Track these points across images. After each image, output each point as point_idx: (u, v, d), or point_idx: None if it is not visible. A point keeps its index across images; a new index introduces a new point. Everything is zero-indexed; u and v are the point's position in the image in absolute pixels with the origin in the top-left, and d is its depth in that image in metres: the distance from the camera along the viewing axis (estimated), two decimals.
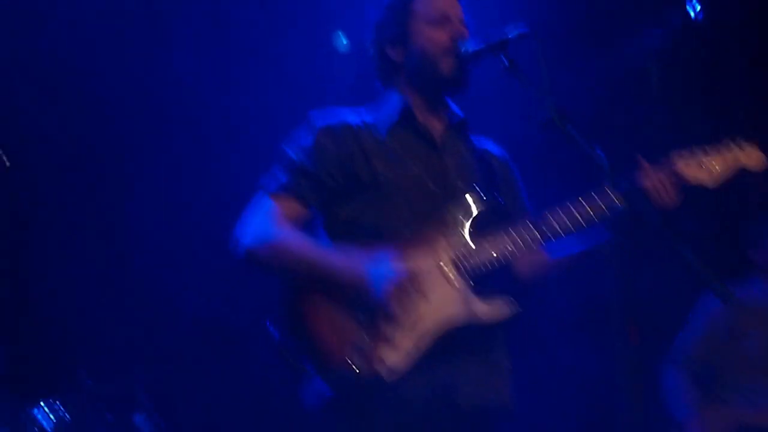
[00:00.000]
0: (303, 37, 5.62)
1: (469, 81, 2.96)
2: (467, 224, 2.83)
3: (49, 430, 4.63)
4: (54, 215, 5.53)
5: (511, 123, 4.19)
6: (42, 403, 4.67)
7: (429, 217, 2.84)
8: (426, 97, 3.01)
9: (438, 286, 2.76)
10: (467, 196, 2.87)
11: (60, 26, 5.26)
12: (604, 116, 5.47)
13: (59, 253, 5.47)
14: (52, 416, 4.65)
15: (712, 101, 5.79)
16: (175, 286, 5.37)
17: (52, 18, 5.25)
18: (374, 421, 2.72)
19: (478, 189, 2.89)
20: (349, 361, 2.67)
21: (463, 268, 2.78)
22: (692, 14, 5.66)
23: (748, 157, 2.82)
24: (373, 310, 2.71)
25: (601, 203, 2.76)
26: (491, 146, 3.15)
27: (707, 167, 2.79)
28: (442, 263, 2.79)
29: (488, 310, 2.75)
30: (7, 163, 4.09)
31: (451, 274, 2.78)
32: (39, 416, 4.65)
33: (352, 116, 3.01)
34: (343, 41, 5.67)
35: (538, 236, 2.78)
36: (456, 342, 2.74)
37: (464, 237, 2.82)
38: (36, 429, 4.62)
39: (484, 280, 2.79)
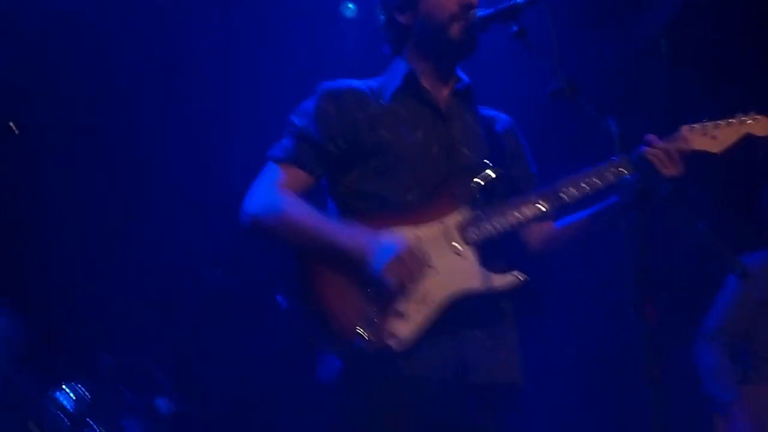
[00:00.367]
0: (314, 12, 5.62)
1: (477, 47, 2.94)
2: (474, 192, 2.81)
3: (71, 411, 4.67)
4: (63, 198, 5.55)
5: (522, 92, 4.18)
6: (64, 386, 4.72)
7: (434, 184, 2.83)
8: (434, 63, 2.99)
9: (445, 256, 2.74)
10: (472, 162, 2.86)
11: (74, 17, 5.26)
12: (614, 89, 5.45)
13: (72, 239, 5.50)
14: (74, 397, 4.70)
15: (722, 73, 5.76)
16: (189, 263, 5.40)
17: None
18: (386, 399, 2.71)
19: (484, 156, 2.88)
20: (360, 333, 2.65)
21: (469, 237, 2.76)
22: None
23: (757, 126, 2.82)
24: (378, 282, 2.70)
25: (608, 172, 2.76)
26: (498, 114, 3.13)
27: (712, 134, 2.80)
28: (448, 232, 2.77)
29: (496, 280, 2.74)
30: (16, 131, 4.11)
31: (458, 244, 2.76)
32: (61, 398, 4.70)
33: (358, 83, 2.99)
34: (350, 7, 5.65)
35: (546, 205, 2.78)
36: (464, 313, 2.73)
37: (471, 205, 2.80)
38: (59, 412, 4.67)
39: (491, 249, 2.78)
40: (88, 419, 4.67)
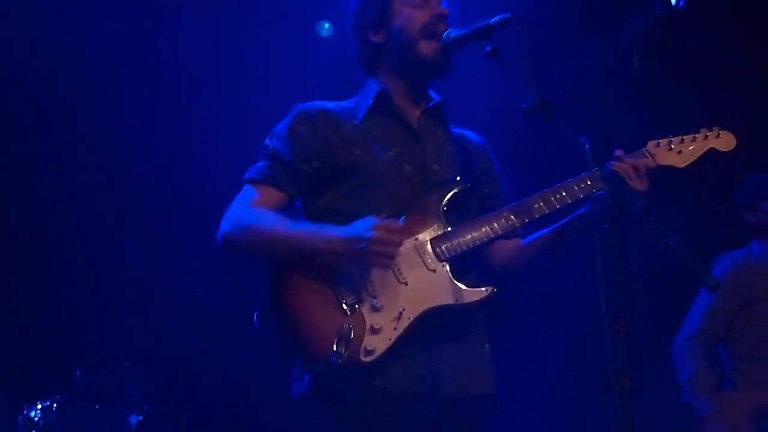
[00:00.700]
0: (293, 32, 5.66)
1: (451, 67, 2.97)
2: (444, 207, 2.84)
3: (44, 428, 4.67)
4: (46, 209, 5.55)
5: (496, 108, 4.21)
6: (39, 404, 4.71)
7: (407, 201, 2.85)
8: (406, 81, 3.02)
9: (418, 271, 2.77)
10: (444, 179, 2.89)
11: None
12: (588, 105, 5.51)
13: (51, 255, 5.51)
14: (47, 416, 4.69)
15: (694, 89, 5.84)
16: (168, 282, 5.39)
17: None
18: (358, 412, 2.73)
19: (455, 173, 2.92)
20: (335, 350, 2.67)
21: (442, 253, 2.80)
22: (673, 2, 5.72)
23: (720, 141, 2.91)
24: (356, 284, 2.72)
25: (578, 187, 2.81)
26: (470, 134, 3.17)
27: (677, 149, 2.87)
28: (421, 248, 2.80)
29: (467, 294, 2.77)
30: None
31: (428, 257, 2.80)
32: (35, 417, 4.69)
33: (331, 104, 3.02)
34: (326, 26, 5.70)
35: (516, 220, 2.82)
36: (436, 327, 2.76)
37: (441, 220, 2.84)
38: (33, 430, 4.67)
39: (462, 264, 2.82)
40: None
